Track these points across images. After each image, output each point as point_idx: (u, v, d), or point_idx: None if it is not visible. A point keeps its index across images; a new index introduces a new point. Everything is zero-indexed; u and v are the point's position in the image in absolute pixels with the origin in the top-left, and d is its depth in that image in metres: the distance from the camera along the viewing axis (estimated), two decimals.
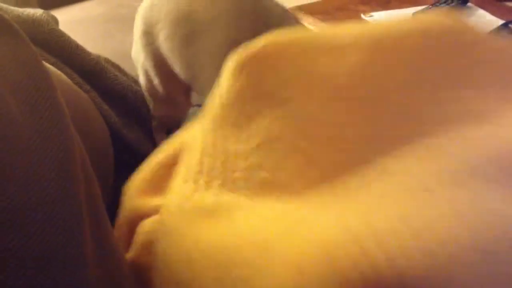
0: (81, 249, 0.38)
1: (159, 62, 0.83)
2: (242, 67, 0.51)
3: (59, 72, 0.73)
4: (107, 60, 0.92)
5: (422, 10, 1.44)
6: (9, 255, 0.33)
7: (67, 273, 0.36)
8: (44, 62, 0.64)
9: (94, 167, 0.68)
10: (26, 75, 0.41)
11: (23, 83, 0.40)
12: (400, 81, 0.49)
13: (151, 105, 0.90)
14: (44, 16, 0.77)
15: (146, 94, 0.89)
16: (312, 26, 1.49)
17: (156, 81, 0.86)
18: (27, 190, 0.35)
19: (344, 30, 0.55)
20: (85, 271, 0.38)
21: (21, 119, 0.38)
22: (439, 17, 0.54)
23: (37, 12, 0.77)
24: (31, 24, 0.76)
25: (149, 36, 0.83)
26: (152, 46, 0.83)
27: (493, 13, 1.48)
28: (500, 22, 1.43)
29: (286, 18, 0.76)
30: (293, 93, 0.50)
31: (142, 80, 0.89)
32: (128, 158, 0.84)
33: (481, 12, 1.49)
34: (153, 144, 0.90)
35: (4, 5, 0.77)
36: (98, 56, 0.88)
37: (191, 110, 0.97)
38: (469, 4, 1.51)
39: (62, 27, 0.89)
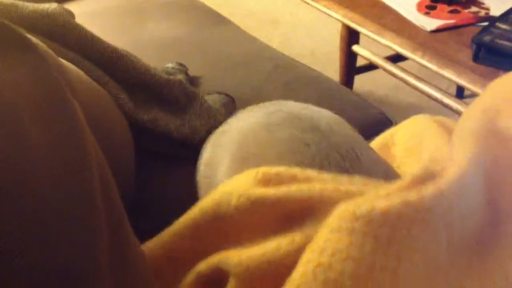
0: (97, 263, 0.39)
1: None
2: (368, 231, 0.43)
3: (79, 71, 0.74)
4: (124, 51, 0.93)
5: None
6: (25, 272, 0.34)
7: (82, 286, 0.37)
8: (64, 62, 0.65)
9: (115, 162, 0.69)
10: (43, 92, 0.42)
11: (39, 100, 0.41)
12: None
13: None
14: (58, 10, 0.79)
15: None
16: (326, 9, 1.48)
17: None
18: (45, 208, 0.36)
19: None
20: (99, 283, 0.39)
21: (38, 136, 0.39)
22: None
23: (52, 5, 0.79)
24: (46, 18, 0.77)
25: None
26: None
27: None
28: None
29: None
30: None
31: None
32: (144, 141, 0.87)
33: None
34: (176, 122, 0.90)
35: (20, 2, 0.78)
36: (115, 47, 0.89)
37: (207, 96, 0.98)
38: None
39: (78, 19, 0.90)
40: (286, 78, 1.14)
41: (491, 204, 0.49)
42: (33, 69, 0.43)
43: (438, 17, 1.36)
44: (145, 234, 0.58)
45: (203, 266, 0.52)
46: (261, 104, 0.68)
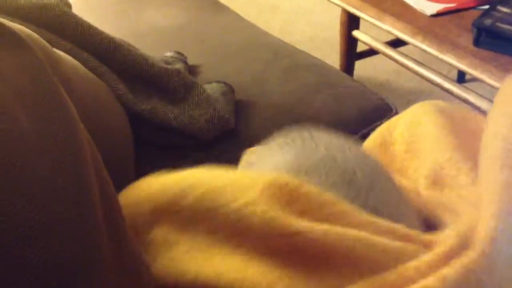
0: (99, 256, 0.39)
1: None
2: None
3: (75, 62, 0.73)
4: (122, 40, 0.92)
5: None
6: (28, 268, 0.34)
7: (86, 282, 0.37)
8: (60, 53, 0.65)
9: (113, 153, 0.69)
10: (35, 87, 0.42)
11: (32, 94, 0.41)
12: None
13: None
14: (55, 0, 0.78)
15: None
16: None
17: None
18: (42, 204, 0.36)
19: None
20: (103, 278, 0.39)
21: (31, 129, 0.38)
22: None
23: None
24: (42, 8, 0.76)
25: None
26: None
27: None
28: None
29: None
30: None
31: None
32: (144, 131, 0.87)
33: None
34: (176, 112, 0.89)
35: None
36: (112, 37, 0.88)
37: (206, 85, 0.98)
38: None
39: (77, 7, 0.90)
40: (286, 65, 1.14)
41: None
42: (24, 63, 0.42)
43: (438, 0, 1.35)
44: None
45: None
46: (286, 135, 0.61)
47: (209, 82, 1.00)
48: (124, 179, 0.75)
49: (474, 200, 0.51)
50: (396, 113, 1.02)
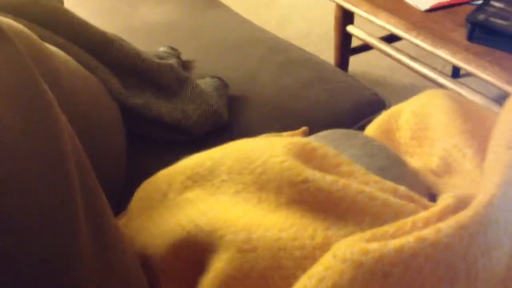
0: (77, 250, 0.39)
1: None
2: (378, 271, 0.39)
3: (67, 57, 0.73)
4: (114, 35, 0.92)
5: None
6: (5, 260, 0.34)
7: (63, 276, 0.37)
8: (52, 48, 0.65)
9: (104, 148, 0.69)
10: (17, 82, 0.41)
11: (14, 89, 0.41)
12: None
13: None
14: None
15: None
16: None
17: None
18: (21, 195, 0.36)
19: None
20: (81, 272, 0.39)
21: (13, 125, 0.38)
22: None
23: None
24: (34, 4, 0.76)
25: None
26: None
27: None
28: None
29: None
30: None
31: None
32: (137, 126, 0.87)
33: None
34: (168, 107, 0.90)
35: None
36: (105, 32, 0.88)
37: (200, 80, 0.98)
38: None
39: (69, 2, 0.89)
40: (280, 61, 1.14)
41: None
42: (6, 58, 0.42)
43: None
44: None
45: (188, 226, 0.49)
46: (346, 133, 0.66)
47: (203, 77, 1.00)
48: (115, 173, 0.75)
49: (479, 180, 0.54)
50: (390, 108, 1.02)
